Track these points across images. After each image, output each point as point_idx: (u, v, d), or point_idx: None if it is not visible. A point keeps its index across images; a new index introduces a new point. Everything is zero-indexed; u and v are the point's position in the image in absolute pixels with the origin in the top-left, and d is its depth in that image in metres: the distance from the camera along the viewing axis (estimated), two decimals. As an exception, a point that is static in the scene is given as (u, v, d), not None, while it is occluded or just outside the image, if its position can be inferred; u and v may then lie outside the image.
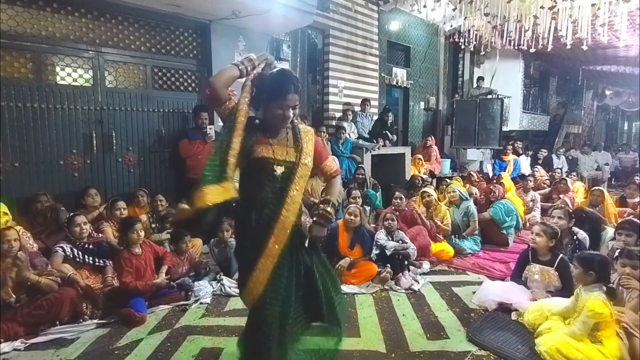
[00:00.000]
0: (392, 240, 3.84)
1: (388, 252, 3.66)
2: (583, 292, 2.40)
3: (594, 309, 2.24)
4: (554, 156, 9.05)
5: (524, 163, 8.41)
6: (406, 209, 4.39)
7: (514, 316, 2.85)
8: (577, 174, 8.07)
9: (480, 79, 8.79)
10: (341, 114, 6.36)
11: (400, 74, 7.76)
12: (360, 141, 6.11)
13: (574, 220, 3.58)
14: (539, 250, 3.09)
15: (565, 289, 2.88)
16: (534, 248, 3.15)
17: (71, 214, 3.20)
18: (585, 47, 5.34)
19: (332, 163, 2.03)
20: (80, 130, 3.97)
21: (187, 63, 4.72)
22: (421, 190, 4.77)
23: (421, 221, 4.29)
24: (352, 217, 3.66)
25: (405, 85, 7.90)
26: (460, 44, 7.10)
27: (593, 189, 5.13)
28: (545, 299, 2.82)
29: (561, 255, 3.06)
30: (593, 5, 4.81)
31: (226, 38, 4.79)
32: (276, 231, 1.73)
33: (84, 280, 2.93)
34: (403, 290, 3.37)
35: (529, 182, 5.98)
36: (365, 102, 6.53)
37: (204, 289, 3.31)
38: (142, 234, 3.21)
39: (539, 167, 7.31)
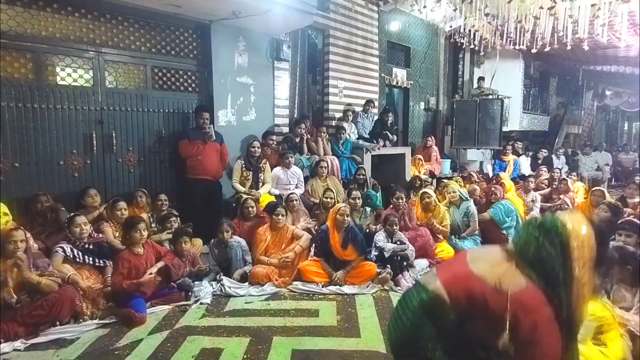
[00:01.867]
0: (391, 241, 3.84)
1: (386, 254, 3.66)
2: None
3: (594, 312, 2.24)
4: (553, 156, 9.05)
5: (524, 163, 8.40)
6: (404, 208, 4.38)
7: (514, 316, 2.84)
8: (577, 175, 8.08)
9: (481, 79, 8.79)
10: (341, 114, 6.36)
11: (400, 74, 7.76)
12: (361, 141, 6.10)
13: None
14: None
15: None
16: None
17: (71, 214, 3.20)
18: (585, 47, 5.34)
19: None
20: (81, 130, 3.97)
21: (187, 63, 4.72)
22: (421, 191, 4.76)
23: (412, 222, 4.28)
24: (342, 217, 3.68)
25: (405, 85, 7.90)
26: (460, 44, 7.10)
27: (594, 189, 5.13)
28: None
29: None
30: (593, 5, 4.81)
31: (226, 38, 4.79)
32: None
33: (84, 281, 2.94)
34: (403, 291, 3.37)
35: (530, 182, 5.97)
36: (369, 102, 6.53)
37: (204, 289, 3.31)
38: (145, 233, 3.23)
39: (544, 168, 7.30)
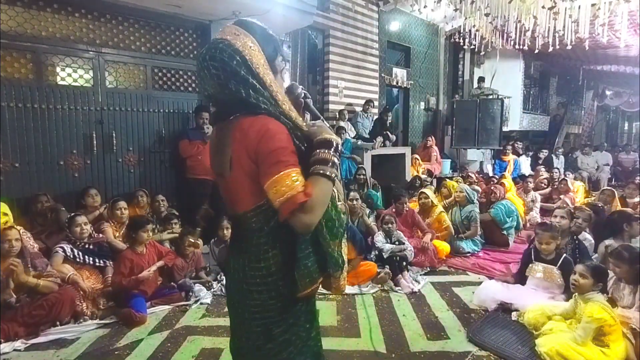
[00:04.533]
0: (390, 241, 3.84)
1: (385, 255, 3.66)
2: (580, 298, 2.41)
3: (592, 314, 2.25)
4: (553, 156, 9.06)
5: (524, 163, 8.41)
6: (406, 211, 4.39)
7: (514, 316, 2.85)
8: (577, 174, 8.07)
9: (481, 79, 8.79)
10: (338, 114, 6.36)
11: (400, 74, 7.76)
12: (360, 142, 6.10)
13: (574, 220, 3.58)
14: (543, 249, 3.09)
15: (568, 289, 2.89)
16: (535, 247, 3.15)
17: (72, 214, 3.21)
18: (586, 47, 5.35)
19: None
20: (81, 130, 3.97)
21: (187, 63, 4.71)
22: (419, 191, 4.77)
23: (421, 225, 4.29)
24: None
25: (405, 85, 7.90)
26: (460, 44, 7.10)
27: (604, 188, 5.18)
28: (546, 301, 2.82)
29: (565, 254, 3.06)
30: (593, 5, 4.81)
31: (226, 38, 4.78)
32: None
33: (85, 281, 2.94)
34: (403, 292, 3.37)
35: (529, 182, 5.97)
36: (368, 102, 6.53)
37: (204, 289, 3.31)
38: (152, 234, 3.24)
39: (542, 167, 7.31)
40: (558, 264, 3.00)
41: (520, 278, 3.21)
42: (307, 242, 1.15)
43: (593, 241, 3.58)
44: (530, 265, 3.14)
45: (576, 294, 2.47)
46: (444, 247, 4.22)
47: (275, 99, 1.12)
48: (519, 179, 6.86)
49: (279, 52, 1.20)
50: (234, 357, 1.34)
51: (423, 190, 4.74)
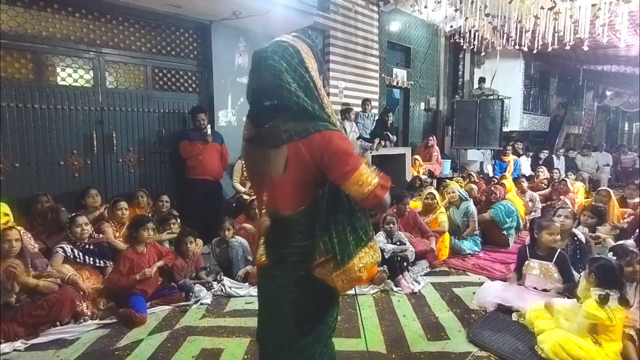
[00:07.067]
0: (391, 241, 3.84)
1: (387, 255, 3.66)
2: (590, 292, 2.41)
3: (588, 309, 2.25)
4: (554, 156, 9.05)
5: (524, 163, 8.40)
6: (408, 212, 4.38)
7: (514, 317, 2.85)
8: (577, 175, 8.07)
9: (482, 80, 8.79)
10: (341, 114, 6.36)
11: (400, 75, 7.76)
12: (360, 142, 6.10)
13: (577, 221, 3.59)
14: (540, 245, 3.10)
15: (565, 283, 2.94)
16: (531, 243, 3.16)
17: (73, 214, 3.21)
18: (585, 48, 5.34)
19: None
20: (81, 130, 3.97)
21: (187, 64, 4.72)
22: (427, 192, 4.76)
23: (422, 227, 4.29)
24: None
25: (405, 85, 7.90)
26: (460, 44, 7.11)
27: (599, 189, 5.15)
28: (547, 299, 2.82)
29: (559, 249, 3.07)
30: (593, 5, 4.82)
31: (227, 39, 4.79)
32: None
33: (85, 281, 2.94)
34: (403, 292, 3.37)
35: (522, 182, 5.92)
36: (365, 102, 6.53)
37: (205, 289, 3.31)
38: (152, 233, 3.23)
39: (543, 167, 7.30)
40: (553, 260, 3.01)
41: (518, 276, 3.22)
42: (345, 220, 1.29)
43: (584, 238, 3.59)
44: (526, 262, 3.15)
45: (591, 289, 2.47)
46: (446, 237, 4.29)
47: (322, 102, 1.26)
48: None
49: (322, 72, 1.35)
50: (264, 344, 1.49)
51: (431, 191, 4.75)
